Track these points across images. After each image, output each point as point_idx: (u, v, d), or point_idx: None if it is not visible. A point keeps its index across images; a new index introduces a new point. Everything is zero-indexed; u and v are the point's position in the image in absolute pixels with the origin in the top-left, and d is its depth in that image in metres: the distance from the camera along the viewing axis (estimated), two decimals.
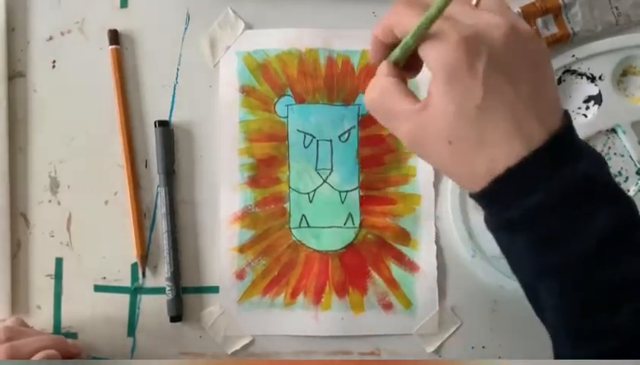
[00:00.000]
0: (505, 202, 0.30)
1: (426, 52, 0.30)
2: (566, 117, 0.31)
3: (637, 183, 0.49)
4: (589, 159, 0.30)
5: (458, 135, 0.30)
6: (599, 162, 0.31)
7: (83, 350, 0.46)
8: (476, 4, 0.32)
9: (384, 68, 0.34)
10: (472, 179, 0.31)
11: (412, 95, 0.32)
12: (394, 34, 0.32)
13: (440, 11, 0.29)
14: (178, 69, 0.50)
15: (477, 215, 0.49)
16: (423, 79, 0.49)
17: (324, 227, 0.49)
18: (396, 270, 0.49)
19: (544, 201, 0.29)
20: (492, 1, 0.31)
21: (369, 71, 0.49)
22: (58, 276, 0.49)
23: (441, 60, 0.29)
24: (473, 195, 0.32)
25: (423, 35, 0.30)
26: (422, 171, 0.49)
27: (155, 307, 0.49)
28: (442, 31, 0.29)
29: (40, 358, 0.40)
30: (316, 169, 0.49)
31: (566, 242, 0.29)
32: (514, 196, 0.30)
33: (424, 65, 0.32)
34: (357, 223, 0.49)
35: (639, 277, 0.30)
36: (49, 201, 0.50)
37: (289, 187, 0.49)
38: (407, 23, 0.31)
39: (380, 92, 0.33)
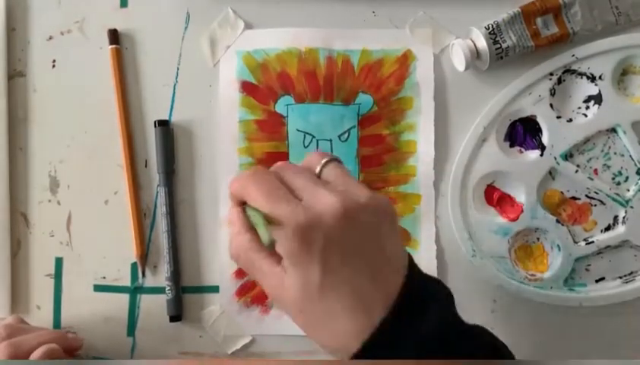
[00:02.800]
0: None
1: (275, 237, 0.32)
2: (410, 267, 0.34)
3: (637, 183, 0.49)
4: (438, 302, 0.34)
5: (307, 309, 0.33)
6: (447, 300, 0.35)
7: (84, 344, 0.46)
8: (319, 175, 0.35)
9: (238, 224, 0.35)
10: (333, 346, 0.33)
11: (267, 253, 0.34)
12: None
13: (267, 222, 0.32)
14: (178, 69, 0.50)
15: (477, 215, 0.49)
16: (424, 82, 0.49)
17: None
18: None
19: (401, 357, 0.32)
20: (333, 172, 0.35)
21: (369, 71, 0.49)
22: (58, 276, 0.49)
23: (282, 247, 0.32)
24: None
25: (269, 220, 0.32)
26: (422, 171, 0.49)
27: (155, 307, 0.49)
28: (282, 219, 0.32)
29: (41, 353, 0.40)
30: None
31: None
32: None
33: None
34: None
35: None
36: (49, 200, 0.50)
37: None
38: (254, 200, 0.33)
39: (240, 250, 0.35)
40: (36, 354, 0.40)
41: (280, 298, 0.33)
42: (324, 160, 0.35)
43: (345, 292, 0.32)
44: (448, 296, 0.35)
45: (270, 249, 0.33)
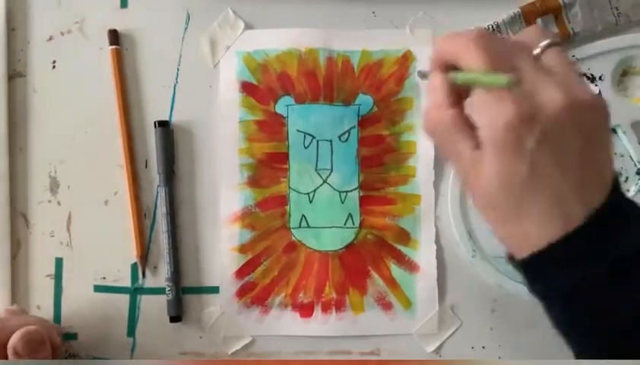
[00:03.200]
0: (541, 277, 0.30)
1: (481, 114, 0.30)
2: (615, 185, 0.30)
3: (637, 183, 0.49)
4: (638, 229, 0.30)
5: (500, 204, 0.30)
6: None
7: (83, 345, 0.46)
8: (537, 57, 0.31)
9: (442, 94, 0.32)
10: (512, 247, 0.31)
11: (469, 133, 0.31)
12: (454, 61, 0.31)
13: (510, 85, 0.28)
14: (178, 69, 0.50)
15: (477, 215, 0.49)
16: None
17: (324, 227, 0.49)
18: (396, 270, 0.49)
19: (585, 279, 0.29)
20: (556, 60, 0.31)
21: (369, 72, 0.49)
22: (58, 276, 0.49)
23: (489, 133, 0.29)
24: (510, 261, 0.32)
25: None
26: (422, 171, 0.49)
27: (155, 307, 0.49)
28: (501, 100, 0.28)
29: (22, 334, 0.40)
30: (316, 170, 0.49)
31: (605, 316, 0.30)
32: (551, 272, 0.30)
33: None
34: (357, 223, 0.49)
35: None
36: (49, 201, 0.50)
37: (289, 187, 0.49)
38: (473, 64, 0.30)
39: (438, 126, 0.32)
40: (16, 334, 0.40)
41: (471, 185, 0.31)
42: (545, 43, 0.31)
43: (546, 195, 0.29)
44: None
45: (512, 88, 0.29)
